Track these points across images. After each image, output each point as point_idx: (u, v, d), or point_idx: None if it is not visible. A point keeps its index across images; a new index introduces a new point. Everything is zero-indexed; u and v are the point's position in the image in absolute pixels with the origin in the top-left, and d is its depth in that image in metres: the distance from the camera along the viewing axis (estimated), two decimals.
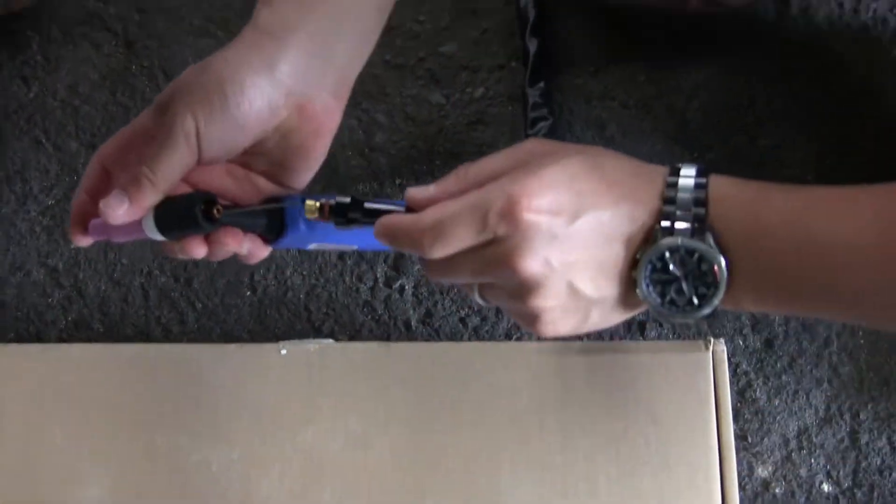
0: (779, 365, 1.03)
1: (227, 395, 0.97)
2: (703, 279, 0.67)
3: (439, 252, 0.67)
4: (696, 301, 0.68)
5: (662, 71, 1.13)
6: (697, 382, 0.94)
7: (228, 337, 1.08)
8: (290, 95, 0.74)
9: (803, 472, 1.00)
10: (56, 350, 1.01)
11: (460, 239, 0.66)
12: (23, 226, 1.14)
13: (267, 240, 0.79)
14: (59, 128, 1.19)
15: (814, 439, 1.01)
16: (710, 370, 0.94)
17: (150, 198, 0.73)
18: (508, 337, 1.06)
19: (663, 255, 0.66)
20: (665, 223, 0.66)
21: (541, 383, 0.95)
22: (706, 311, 0.68)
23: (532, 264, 0.65)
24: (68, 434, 0.97)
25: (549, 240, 0.65)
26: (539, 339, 0.87)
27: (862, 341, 1.03)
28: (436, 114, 1.15)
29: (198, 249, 0.76)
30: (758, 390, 1.03)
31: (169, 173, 0.72)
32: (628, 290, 0.69)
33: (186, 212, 0.73)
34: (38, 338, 1.10)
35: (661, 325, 1.05)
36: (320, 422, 0.96)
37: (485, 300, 0.72)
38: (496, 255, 0.66)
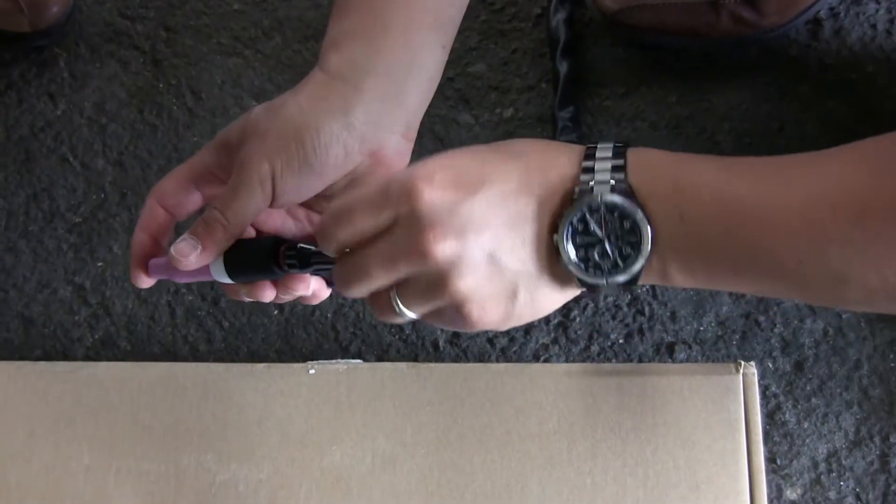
0: (808, 388, 1.03)
1: (255, 415, 0.97)
2: (627, 238, 0.63)
3: (343, 233, 0.65)
4: (621, 263, 0.64)
5: (693, 93, 1.13)
6: (727, 405, 0.94)
7: (255, 356, 1.08)
8: (365, 142, 0.73)
9: (832, 494, 0.99)
10: (84, 368, 1.01)
11: (362, 219, 0.65)
12: (50, 243, 1.15)
13: (330, 282, 0.79)
14: (86, 146, 1.19)
15: (843, 462, 1.00)
16: (740, 393, 0.94)
17: (223, 243, 0.72)
18: (536, 358, 1.06)
19: (584, 215, 0.63)
20: (584, 180, 0.63)
21: (570, 405, 0.95)
22: (634, 269, 0.64)
23: (442, 242, 0.62)
24: (96, 453, 0.97)
25: (455, 213, 0.62)
26: (474, 334, 0.82)
27: (893, 364, 1.02)
28: (465, 134, 1.15)
29: (266, 293, 0.76)
30: (787, 413, 1.02)
31: (242, 219, 0.72)
32: (552, 260, 0.65)
33: (259, 258, 0.73)
34: (65, 355, 1.10)
35: (689, 347, 1.04)
36: (348, 442, 0.96)
37: (407, 308, 0.67)
38: (404, 239, 0.63)
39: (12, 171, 1.18)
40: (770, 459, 1.00)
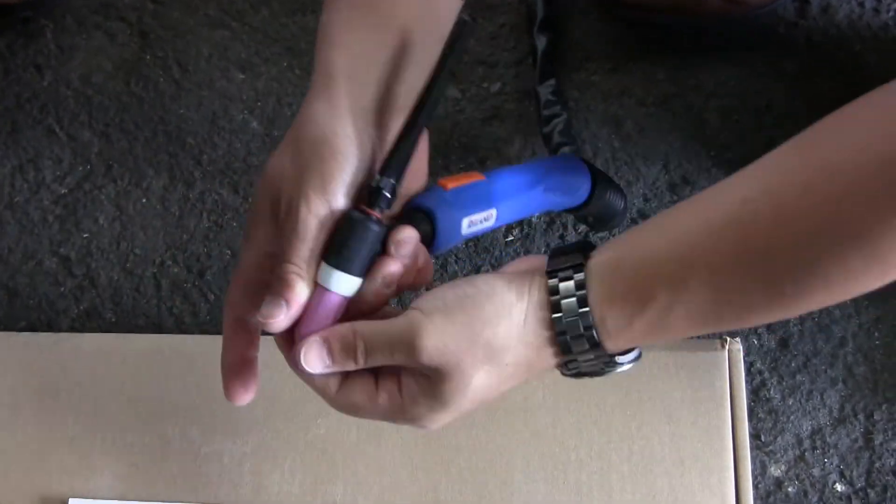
0: (793, 364, 1.03)
1: None
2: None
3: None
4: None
5: (681, 69, 1.13)
6: (713, 381, 0.94)
7: None
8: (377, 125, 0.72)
9: (816, 471, 1.00)
10: (69, 340, 1.01)
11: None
12: (35, 214, 1.14)
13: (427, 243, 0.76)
14: (72, 117, 1.18)
15: (827, 439, 1.01)
16: (725, 369, 0.94)
17: (305, 291, 0.70)
18: None
19: None
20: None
21: (555, 380, 0.95)
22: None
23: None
24: (81, 424, 0.97)
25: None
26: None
27: (878, 342, 1.03)
28: (451, 108, 1.15)
29: (395, 266, 0.72)
30: (772, 389, 1.02)
31: (311, 258, 0.70)
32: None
33: (348, 222, 0.71)
34: (50, 327, 1.09)
35: None
36: (333, 416, 0.95)
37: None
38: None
39: None
40: (754, 436, 1.01)
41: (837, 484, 1.00)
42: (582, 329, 0.67)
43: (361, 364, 0.69)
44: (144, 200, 1.14)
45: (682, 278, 0.64)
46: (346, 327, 0.70)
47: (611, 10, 1.16)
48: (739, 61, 1.12)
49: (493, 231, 1.05)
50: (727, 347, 0.94)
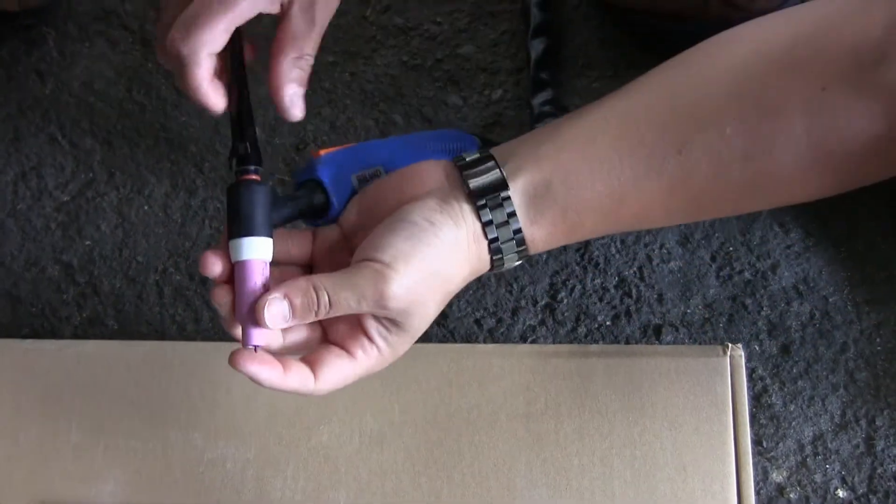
0: (795, 370, 1.03)
1: (243, 394, 0.97)
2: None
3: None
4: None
5: None
6: (715, 387, 0.94)
7: None
8: None
9: (818, 477, 1.00)
10: (72, 346, 1.01)
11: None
12: (38, 222, 1.14)
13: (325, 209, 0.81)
14: (74, 124, 1.19)
15: (829, 445, 1.01)
16: (727, 375, 0.94)
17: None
18: (524, 339, 1.06)
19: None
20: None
21: (557, 386, 0.95)
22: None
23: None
24: (84, 430, 0.97)
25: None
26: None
27: (879, 347, 1.03)
28: (453, 115, 1.15)
29: None
30: (773, 395, 1.02)
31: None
32: None
33: (244, 197, 0.74)
34: (53, 334, 1.09)
35: (676, 330, 1.05)
36: (335, 422, 0.96)
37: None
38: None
39: (0, 149, 1.18)
40: (756, 442, 1.01)
41: (839, 490, 1.00)
42: (516, 248, 0.75)
43: (323, 315, 0.71)
44: (146, 208, 1.14)
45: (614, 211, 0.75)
46: (303, 280, 0.71)
47: (612, 16, 1.17)
48: None
49: None
50: (729, 353, 0.95)
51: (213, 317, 1.09)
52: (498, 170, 0.74)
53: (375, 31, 1.21)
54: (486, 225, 0.74)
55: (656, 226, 0.79)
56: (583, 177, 0.73)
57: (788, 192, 0.75)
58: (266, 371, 0.71)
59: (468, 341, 1.06)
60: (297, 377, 0.72)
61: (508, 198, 0.73)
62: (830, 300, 1.05)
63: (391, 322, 0.73)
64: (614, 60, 1.16)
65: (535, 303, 1.07)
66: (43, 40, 1.23)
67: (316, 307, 0.71)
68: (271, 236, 0.74)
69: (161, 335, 1.09)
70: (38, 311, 1.11)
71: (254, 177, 0.74)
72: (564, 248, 1.08)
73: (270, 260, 0.74)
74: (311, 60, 0.82)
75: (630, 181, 0.73)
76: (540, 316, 1.06)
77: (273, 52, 0.82)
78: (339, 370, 0.74)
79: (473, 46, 1.18)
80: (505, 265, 0.76)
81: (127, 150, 1.17)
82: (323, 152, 0.81)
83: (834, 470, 1.00)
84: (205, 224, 1.13)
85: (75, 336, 1.09)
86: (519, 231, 0.74)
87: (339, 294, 0.70)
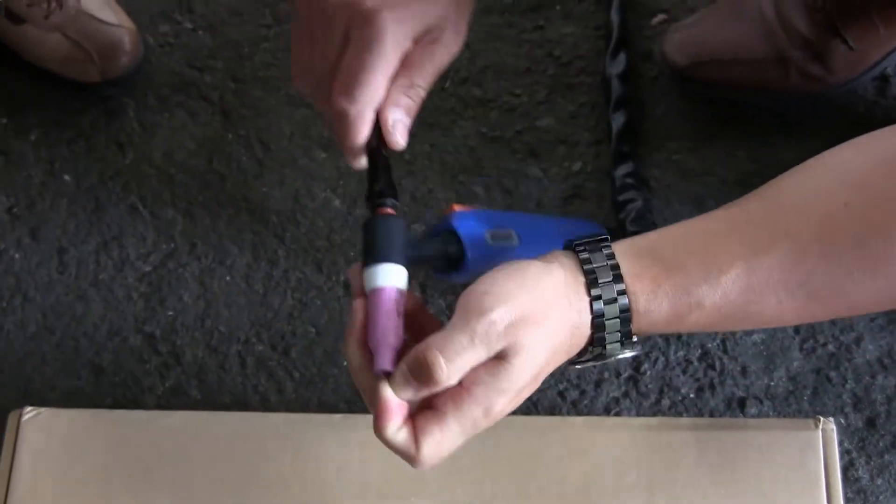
0: (881, 444, 1.03)
1: (333, 466, 0.97)
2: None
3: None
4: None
5: (761, 147, 1.14)
6: (807, 461, 0.94)
7: (326, 407, 1.08)
8: None
9: None
10: (161, 418, 1.01)
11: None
12: (120, 292, 1.15)
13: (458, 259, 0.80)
14: (155, 195, 1.20)
15: None
16: (819, 449, 0.94)
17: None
18: (607, 411, 1.06)
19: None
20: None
21: (648, 459, 0.95)
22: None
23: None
24: (174, 501, 0.97)
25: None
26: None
27: None
28: (534, 187, 1.16)
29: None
30: (860, 469, 1.02)
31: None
32: None
33: (381, 227, 0.75)
34: (136, 404, 1.10)
35: (760, 402, 1.05)
36: (427, 494, 0.96)
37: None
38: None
39: (82, 219, 1.19)
40: None
41: None
42: (616, 294, 0.70)
43: (446, 376, 0.69)
44: (228, 278, 1.15)
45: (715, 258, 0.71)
46: (414, 349, 0.69)
47: (691, 88, 1.18)
48: (819, 139, 1.12)
49: None
50: (821, 427, 0.94)
51: (297, 387, 1.09)
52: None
53: (454, 102, 1.22)
54: (583, 263, 0.72)
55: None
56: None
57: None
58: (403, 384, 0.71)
59: (552, 413, 1.06)
60: (405, 441, 0.74)
61: (612, 252, 0.72)
62: None
63: (497, 360, 0.69)
64: (693, 133, 1.17)
65: (619, 375, 1.07)
66: (123, 111, 1.25)
67: (437, 369, 0.68)
68: (407, 266, 0.74)
69: (244, 406, 1.09)
70: (120, 381, 1.11)
71: (390, 210, 0.75)
72: None
73: (405, 289, 0.73)
74: (421, 93, 0.81)
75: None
76: (623, 388, 1.06)
77: None
78: (437, 437, 0.73)
79: (552, 118, 1.19)
80: (606, 329, 0.72)
81: (208, 221, 1.18)
82: (458, 208, 0.82)
83: None
84: (287, 295, 1.13)
85: (158, 406, 1.10)
86: (619, 276, 0.71)
87: (449, 345, 0.68)
